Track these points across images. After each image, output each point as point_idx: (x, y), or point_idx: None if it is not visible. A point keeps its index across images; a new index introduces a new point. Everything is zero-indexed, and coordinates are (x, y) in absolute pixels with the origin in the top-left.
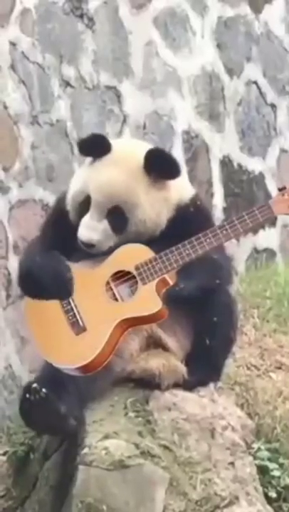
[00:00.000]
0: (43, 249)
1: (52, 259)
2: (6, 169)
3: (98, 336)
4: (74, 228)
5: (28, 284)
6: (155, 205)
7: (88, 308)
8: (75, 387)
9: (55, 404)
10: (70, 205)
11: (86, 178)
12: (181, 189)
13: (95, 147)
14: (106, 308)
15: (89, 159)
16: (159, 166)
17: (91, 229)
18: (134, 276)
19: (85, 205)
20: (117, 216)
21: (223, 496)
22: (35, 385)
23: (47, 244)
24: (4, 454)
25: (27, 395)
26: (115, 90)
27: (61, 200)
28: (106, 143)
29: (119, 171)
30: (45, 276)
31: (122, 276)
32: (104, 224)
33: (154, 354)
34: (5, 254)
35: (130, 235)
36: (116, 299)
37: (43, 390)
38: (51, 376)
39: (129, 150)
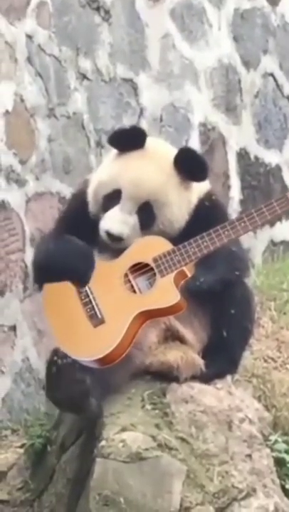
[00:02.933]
0: (58, 236)
1: (70, 241)
2: (22, 162)
3: (116, 328)
4: (93, 220)
5: (48, 268)
6: (182, 207)
7: (106, 300)
8: (95, 379)
9: (81, 372)
10: (91, 196)
11: (115, 170)
12: (198, 187)
13: (131, 140)
14: (124, 300)
15: (114, 151)
16: (189, 166)
17: (122, 222)
18: (152, 269)
19: (112, 198)
20: (147, 213)
21: (240, 488)
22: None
23: (63, 233)
24: (21, 446)
25: (55, 358)
26: (132, 83)
27: (80, 192)
28: (144, 137)
29: (153, 167)
30: (65, 255)
31: (140, 268)
32: (135, 219)
33: (171, 347)
34: (22, 247)
35: (154, 233)
36: (134, 291)
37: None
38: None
39: (161, 147)
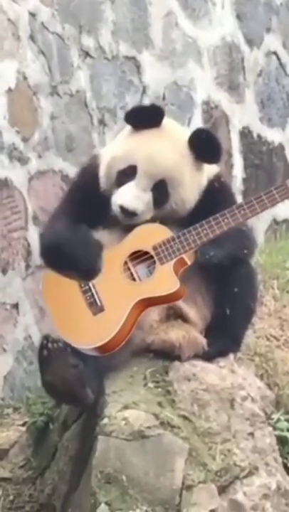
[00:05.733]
0: (70, 221)
1: (81, 235)
2: (25, 140)
3: (116, 316)
4: (103, 195)
5: (56, 257)
6: (194, 187)
7: (106, 288)
8: (96, 360)
9: (74, 357)
10: (104, 171)
11: (131, 146)
12: (208, 168)
13: (149, 118)
14: (124, 288)
15: (128, 128)
16: (204, 147)
17: (136, 198)
18: (152, 257)
19: (126, 173)
20: (161, 190)
21: (242, 467)
22: (54, 335)
23: (74, 213)
24: (24, 424)
25: (45, 342)
26: (135, 61)
27: (91, 166)
28: (162, 116)
29: (169, 145)
30: (75, 252)
31: (139, 256)
32: (149, 196)
33: (174, 325)
34: (24, 225)
35: (166, 212)
36: (134, 279)
37: (62, 341)
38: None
39: (176, 127)
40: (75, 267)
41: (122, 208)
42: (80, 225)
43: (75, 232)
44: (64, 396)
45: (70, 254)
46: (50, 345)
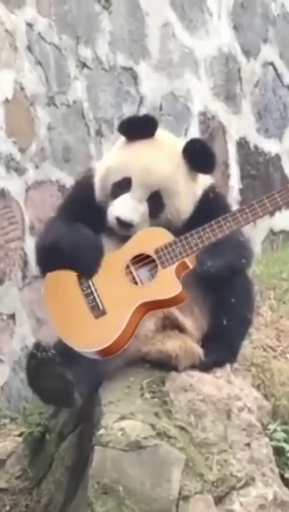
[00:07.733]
0: (67, 222)
1: (82, 231)
2: (22, 150)
3: (118, 319)
4: (99, 207)
5: (57, 253)
6: (189, 197)
7: (108, 291)
8: (88, 365)
9: (62, 368)
10: (99, 183)
11: (125, 158)
12: (202, 179)
13: (143, 128)
14: (126, 292)
15: (122, 139)
16: (198, 157)
17: (132, 209)
18: (153, 260)
19: (121, 185)
20: (157, 201)
21: (239, 477)
22: (44, 343)
23: (69, 222)
24: (20, 434)
25: (34, 351)
26: (132, 71)
27: (86, 179)
28: (155, 127)
29: (163, 156)
30: (76, 245)
31: (141, 259)
32: (145, 207)
33: (170, 336)
34: (21, 235)
35: (161, 222)
36: (136, 283)
37: (52, 350)
38: (66, 349)
39: (170, 138)
40: (76, 263)
41: (119, 220)
42: (77, 224)
43: (72, 229)
44: (52, 400)
45: (70, 251)
46: (39, 354)
